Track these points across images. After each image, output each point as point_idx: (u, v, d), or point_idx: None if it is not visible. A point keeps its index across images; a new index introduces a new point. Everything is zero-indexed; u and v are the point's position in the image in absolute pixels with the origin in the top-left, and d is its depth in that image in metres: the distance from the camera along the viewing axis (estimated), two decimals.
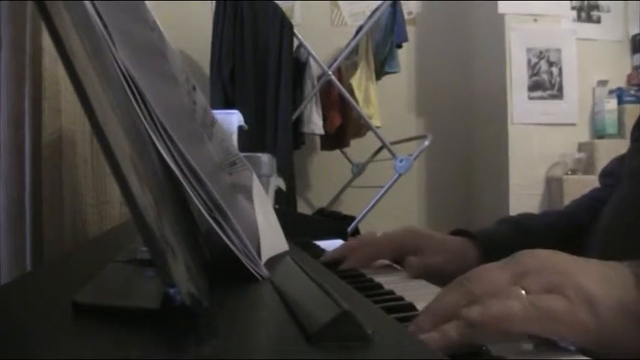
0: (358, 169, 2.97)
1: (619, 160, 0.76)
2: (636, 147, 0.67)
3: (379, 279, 0.56)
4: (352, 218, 2.43)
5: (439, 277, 0.60)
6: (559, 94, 2.86)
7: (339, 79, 2.56)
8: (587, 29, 2.97)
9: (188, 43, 2.77)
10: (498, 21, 2.84)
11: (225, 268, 0.40)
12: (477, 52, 3.16)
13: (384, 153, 2.56)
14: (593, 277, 0.37)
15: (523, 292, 0.36)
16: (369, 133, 2.64)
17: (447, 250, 0.67)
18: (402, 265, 0.67)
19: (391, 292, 0.49)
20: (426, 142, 2.45)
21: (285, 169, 2.31)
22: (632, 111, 2.76)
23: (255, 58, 2.42)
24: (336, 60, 2.56)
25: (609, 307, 0.36)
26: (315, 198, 3.15)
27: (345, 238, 0.91)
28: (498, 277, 0.39)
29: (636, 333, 0.35)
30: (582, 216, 0.74)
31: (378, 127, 2.56)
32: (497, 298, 0.36)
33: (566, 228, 0.73)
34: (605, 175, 0.79)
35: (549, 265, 0.38)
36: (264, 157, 1.25)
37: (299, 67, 2.59)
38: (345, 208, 2.90)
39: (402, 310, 0.43)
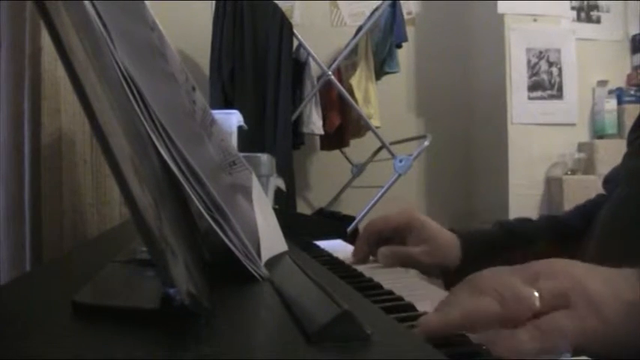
0: (358, 169, 2.97)
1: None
2: (633, 149, 0.67)
3: (379, 279, 0.56)
4: (352, 218, 2.43)
5: (416, 266, 0.66)
6: (559, 94, 2.86)
7: (339, 79, 2.56)
8: (587, 29, 2.97)
9: (188, 43, 2.77)
10: (498, 21, 2.84)
11: (225, 268, 0.40)
12: (476, 52, 3.16)
13: (384, 153, 2.56)
14: (600, 282, 0.37)
15: (536, 293, 0.36)
16: (369, 133, 2.64)
17: (433, 243, 0.69)
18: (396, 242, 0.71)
19: (391, 292, 0.49)
20: (426, 142, 2.45)
21: (285, 169, 2.31)
22: (631, 111, 2.76)
23: (255, 58, 2.42)
24: (335, 60, 2.56)
25: (616, 311, 0.36)
26: (314, 198, 3.15)
27: (344, 239, 0.91)
28: (512, 277, 0.39)
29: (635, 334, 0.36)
30: (575, 222, 0.75)
31: (377, 127, 2.56)
32: (507, 331, 0.35)
33: (554, 233, 0.73)
34: (607, 181, 0.79)
35: (559, 270, 0.39)
36: (264, 157, 1.25)
37: (298, 67, 2.59)
38: (344, 208, 2.90)
39: (402, 310, 0.43)
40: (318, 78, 2.55)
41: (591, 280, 0.38)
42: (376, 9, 2.55)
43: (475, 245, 0.69)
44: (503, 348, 0.34)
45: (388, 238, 0.71)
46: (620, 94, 2.89)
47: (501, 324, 0.36)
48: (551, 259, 0.41)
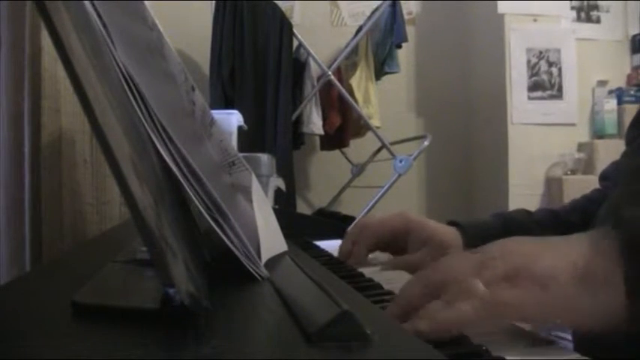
0: (358, 170, 2.97)
1: (616, 164, 0.76)
2: (631, 148, 0.67)
3: (379, 279, 0.56)
4: (352, 218, 2.42)
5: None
6: (559, 94, 2.86)
7: (339, 80, 2.56)
8: (587, 29, 2.97)
9: (188, 43, 2.77)
10: (498, 21, 2.84)
11: (225, 268, 0.40)
12: (476, 52, 3.16)
13: (384, 153, 2.56)
14: (549, 256, 0.39)
15: (480, 284, 0.38)
16: (369, 133, 2.64)
17: (433, 243, 0.68)
18: (390, 250, 0.70)
19: (391, 292, 0.49)
20: (426, 143, 2.45)
21: (285, 169, 2.31)
22: (631, 111, 2.76)
23: (255, 58, 2.42)
24: (335, 60, 2.56)
25: (564, 280, 0.38)
26: (314, 198, 3.15)
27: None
28: (460, 266, 0.41)
29: (590, 297, 0.37)
30: (573, 216, 0.74)
31: (377, 127, 2.56)
32: (449, 303, 0.37)
33: (554, 226, 0.73)
34: (603, 178, 0.79)
35: (510, 250, 0.40)
36: (264, 157, 1.25)
37: (298, 67, 2.59)
38: (344, 209, 2.90)
39: None
40: (318, 78, 2.55)
41: (540, 255, 0.39)
42: (376, 9, 2.55)
43: (477, 239, 0.69)
44: (440, 319, 0.36)
45: (384, 242, 0.71)
46: (620, 94, 2.90)
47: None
48: (504, 239, 0.42)
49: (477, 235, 0.68)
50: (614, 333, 0.38)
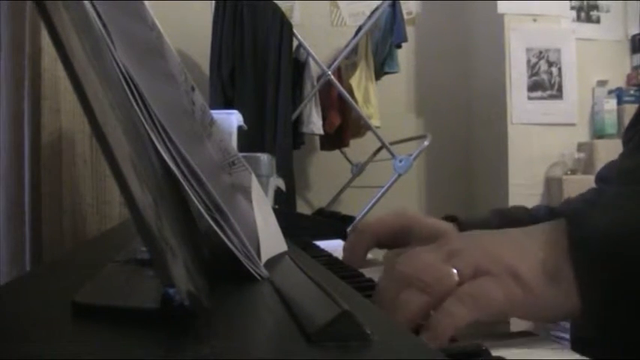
0: (358, 169, 2.97)
1: (614, 164, 0.76)
2: (629, 149, 0.67)
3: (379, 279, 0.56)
4: (352, 218, 2.42)
5: None
6: (558, 94, 2.86)
7: (339, 79, 2.56)
8: (587, 29, 2.97)
9: (188, 43, 2.77)
10: (498, 21, 2.84)
11: (225, 268, 0.40)
12: (476, 52, 3.16)
13: (384, 153, 2.56)
14: (511, 248, 0.41)
15: (455, 270, 0.39)
16: (369, 133, 2.64)
17: (434, 238, 0.67)
18: (393, 246, 0.68)
19: None
20: (426, 142, 2.45)
21: (285, 169, 2.31)
22: (631, 111, 2.75)
23: (255, 58, 2.42)
24: (335, 60, 2.56)
25: (532, 275, 0.39)
26: (314, 198, 3.15)
27: (344, 239, 0.91)
28: (429, 258, 0.41)
29: (555, 289, 0.39)
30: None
31: (377, 127, 2.56)
32: (422, 290, 0.39)
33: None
34: (599, 178, 0.79)
35: (475, 245, 0.41)
36: (264, 157, 1.25)
37: (298, 67, 2.59)
38: (344, 208, 2.89)
39: None
40: (318, 78, 2.55)
41: (502, 247, 0.40)
42: (376, 9, 2.55)
43: None
44: (441, 330, 0.36)
45: (385, 240, 0.70)
46: (619, 94, 2.90)
47: (434, 308, 0.38)
48: (462, 233, 0.44)
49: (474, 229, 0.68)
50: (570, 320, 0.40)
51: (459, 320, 0.37)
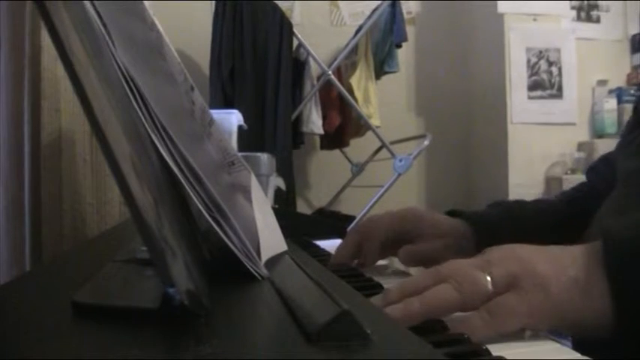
0: (358, 169, 2.97)
1: (605, 159, 0.77)
2: (630, 150, 0.67)
3: (379, 279, 0.56)
4: (352, 218, 2.43)
5: (437, 262, 0.61)
6: (558, 94, 2.86)
7: (339, 79, 2.56)
8: (587, 29, 2.97)
9: (188, 42, 2.77)
10: (498, 20, 2.84)
11: (225, 268, 0.40)
12: (476, 51, 3.16)
13: (384, 152, 2.56)
14: (545, 262, 0.41)
15: (489, 277, 0.40)
16: (369, 133, 2.64)
17: (446, 235, 0.67)
18: (398, 246, 0.67)
19: None
20: (426, 142, 2.45)
21: (285, 169, 2.31)
22: (631, 111, 2.76)
23: (255, 57, 2.42)
24: (335, 60, 2.56)
25: (561, 286, 0.40)
26: (314, 198, 3.15)
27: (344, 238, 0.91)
28: (467, 262, 0.43)
29: (585, 302, 0.40)
30: (560, 205, 0.76)
31: (377, 127, 2.56)
32: (455, 288, 0.40)
33: (554, 218, 0.73)
34: (590, 170, 0.80)
35: (509, 255, 0.43)
36: (264, 157, 1.25)
37: (298, 66, 2.59)
38: (344, 208, 2.90)
39: None
40: (318, 77, 2.55)
41: (538, 261, 0.42)
42: (376, 8, 2.55)
43: (488, 233, 0.68)
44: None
45: (393, 237, 0.69)
46: (619, 94, 2.90)
47: (460, 309, 0.40)
48: (503, 245, 0.45)
49: (487, 232, 0.68)
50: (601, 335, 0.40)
51: (477, 335, 0.38)
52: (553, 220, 0.73)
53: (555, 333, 0.41)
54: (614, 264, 0.40)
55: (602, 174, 0.74)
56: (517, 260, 0.42)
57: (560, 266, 0.41)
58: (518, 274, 0.40)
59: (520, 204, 0.76)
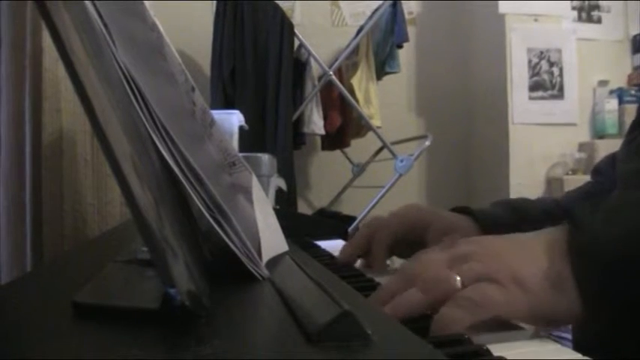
0: (359, 169, 2.97)
1: (610, 159, 0.77)
2: (631, 150, 0.67)
3: (379, 279, 0.56)
4: (353, 218, 2.43)
5: None
6: (559, 94, 2.86)
7: (340, 79, 2.56)
8: (588, 29, 2.97)
9: (188, 43, 2.77)
10: (499, 21, 2.84)
11: (225, 268, 0.40)
12: (477, 52, 3.16)
13: (385, 153, 2.56)
14: (520, 256, 0.41)
15: (458, 278, 0.40)
16: (370, 133, 2.64)
17: (452, 232, 0.67)
18: (405, 245, 0.67)
19: None
20: (427, 142, 2.45)
21: (286, 170, 2.31)
22: (632, 111, 2.76)
23: (256, 58, 2.42)
24: (336, 60, 2.56)
25: (535, 280, 0.40)
26: (315, 198, 3.15)
27: (345, 239, 0.91)
28: (436, 259, 0.43)
29: (558, 295, 0.40)
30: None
31: (378, 127, 2.56)
32: (423, 291, 0.40)
33: (560, 217, 0.73)
34: (595, 171, 0.80)
35: (482, 250, 0.42)
36: (265, 157, 1.25)
37: (299, 67, 2.59)
38: (345, 208, 2.90)
39: None
40: (319, 78, 2.55)
41: (511, 254, 0.41)
42: (377, 9, 2.55)
43: (493, 231, 0.67)
44: (439, 331, 0.37)
45: (401, 237, 0.69)
46: (620, 94, 2.90)
47: (429, 309, 0.40)
48: (476, 237, 0.45)
49: (488, 224, 0.68)
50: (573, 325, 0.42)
51: (459, 323, 0.37)
52: (557, 220, 0.72)
53: (555, 333, 0.41)
54: (578, 261, 0.40)
55: (606, 174, 0.74)
56: (486, 254, 0.42)
57: (532, 257, 0.41)
58: (488, 268, 0.40)
59: (525, 201, 0.77)
